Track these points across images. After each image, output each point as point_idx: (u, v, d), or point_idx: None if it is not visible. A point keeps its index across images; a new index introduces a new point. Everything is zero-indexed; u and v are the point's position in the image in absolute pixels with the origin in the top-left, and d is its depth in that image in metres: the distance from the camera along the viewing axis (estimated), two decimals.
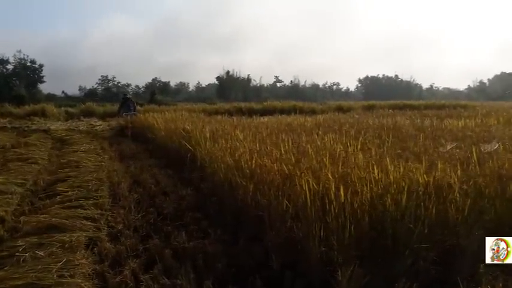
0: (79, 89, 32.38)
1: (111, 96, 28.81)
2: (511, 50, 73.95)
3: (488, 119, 9.72)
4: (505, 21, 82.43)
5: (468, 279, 2.36)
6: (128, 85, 34.77)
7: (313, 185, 2.89)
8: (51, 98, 26.31)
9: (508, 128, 7.39)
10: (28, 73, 27.87)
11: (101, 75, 33.10)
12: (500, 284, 2.13)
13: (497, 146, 4.59)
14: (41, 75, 28.56)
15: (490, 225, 2.84)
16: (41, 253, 2.82)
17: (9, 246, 3.03)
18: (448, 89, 52.38)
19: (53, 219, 3.52)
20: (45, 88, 28.92)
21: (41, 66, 28.36)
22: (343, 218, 2.67)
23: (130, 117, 12.05)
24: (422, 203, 2.74)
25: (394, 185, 2.87)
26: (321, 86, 44.09)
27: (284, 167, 3.39)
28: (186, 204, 4.26)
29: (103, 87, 32.81)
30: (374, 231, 2.68)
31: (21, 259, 2.74)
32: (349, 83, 65.28)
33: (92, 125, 14.68)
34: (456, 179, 2.98)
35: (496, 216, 2.95)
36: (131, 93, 32.11)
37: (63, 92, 30.57)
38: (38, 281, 2.41)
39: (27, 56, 28.02)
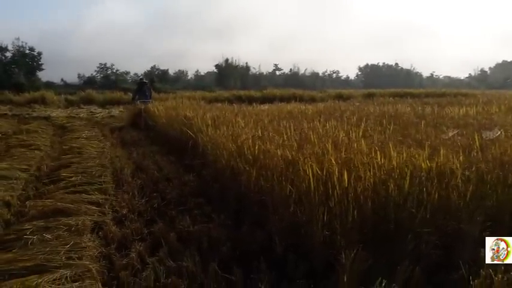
0: (78, 77, 32.09)
1: (110, 84, 28.56)
2: None
3: (490, 107, 9.70)
4: (506, 10, 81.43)
5: (470, 263, 2.40)
6: (127, 73, 34.40)
7: (316, 170, 2.91)
8: (50, 85, 26.04)
9: (510, 116, 7.39)
10: (27, 60, 27.52)
11: (99, 63, 32.70)
12: (502, 268, 2.17)
13: (499, 133, 4.62)
14: (40, 62, 28.25)
15: (491, 211, 2.88)
16: (48, 236, 2.86)
17: (16, 229, 3.08)
18: (449, 77, 52.06)
19: (58, 203, 3.56)
20: (44, 76, 28.68)
21: (39, 53, 27.99)
22: (346, 202, 2.70)
23: (144, 105, 10.65)
24: (424, 188, 2.77)
25: (397, 171, 2.90)
26: (320, 74, 43.72)
27: (287, 152, 3.40)
28: (189, 190, 4.30)
29: (102, 75, 32.47)
30: (377, 215, 2.71)
31: (29, 242, 2.78)
32: (349, 71, 64.82)
33: (92, 112, 14.66)
34: (458, 165, 3.01)
35: (497, 202, 2.98)
36: (130, 81, 31.83)
37: (62, 79, 30.34)
38: (46, 262, 2.45)
39: (26, 43, 27.66)
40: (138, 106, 10.81)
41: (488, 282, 2.04)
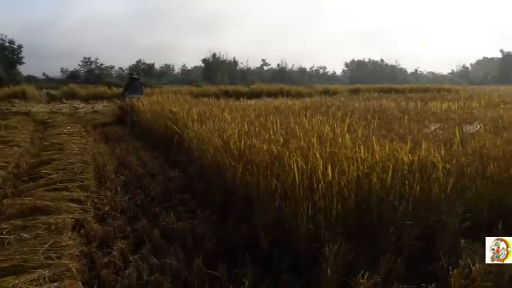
0: (61, 71, 31.32)
1: (94, 78, 28.00)
2: (494, 35, 75.16)
3: (471, 102, 9.94)
4: (488, 8, 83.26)
5: (449, 254, 2.46)
6: (112, 67, 33.83)
7: (301, 164, 2.91)
8: (31, 79, 25.30)
9: (489, 111, 7.58)
10: (6, 54, 26.68)
11: (83, 57, 32.00)
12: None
13: (478, 127, 4.73)
14: (20, 56, 27.42)
15: (471, 202, 2.95)
16: (26, 235, 2.77)
17: None
18: (432, 73, 53.12)
19: (38, 201, 3.46)
20: (24, 69, 27.85)
21: (20, 47, 27.18)
22: (330, 196, 2.71)
23: (130, 100, 10.33)
24: (406, 182, 2.81)
25: (380, 164, 2.92)
26: (307, 69, 43.93)
27: (273, 147, 3.39)
28: (173, 186, 4.25)
29: (85, 69, 31.79)
30: (360, 208, 2.74)
31: (6, 242, 2.69)
32: (336, 67, 65.38)
33: (75, 107, 14.35)
34: (440, 158, 3.06)
35: (476, 194, 3.06)
36: (114, 75, 31.24)
37: (43, 73, 29.56)
38: (24, 262, 2.38)
39: (5, 36, 26.77)
40: (124, 101, 10.64)
41: (467, 271, 2.09)
